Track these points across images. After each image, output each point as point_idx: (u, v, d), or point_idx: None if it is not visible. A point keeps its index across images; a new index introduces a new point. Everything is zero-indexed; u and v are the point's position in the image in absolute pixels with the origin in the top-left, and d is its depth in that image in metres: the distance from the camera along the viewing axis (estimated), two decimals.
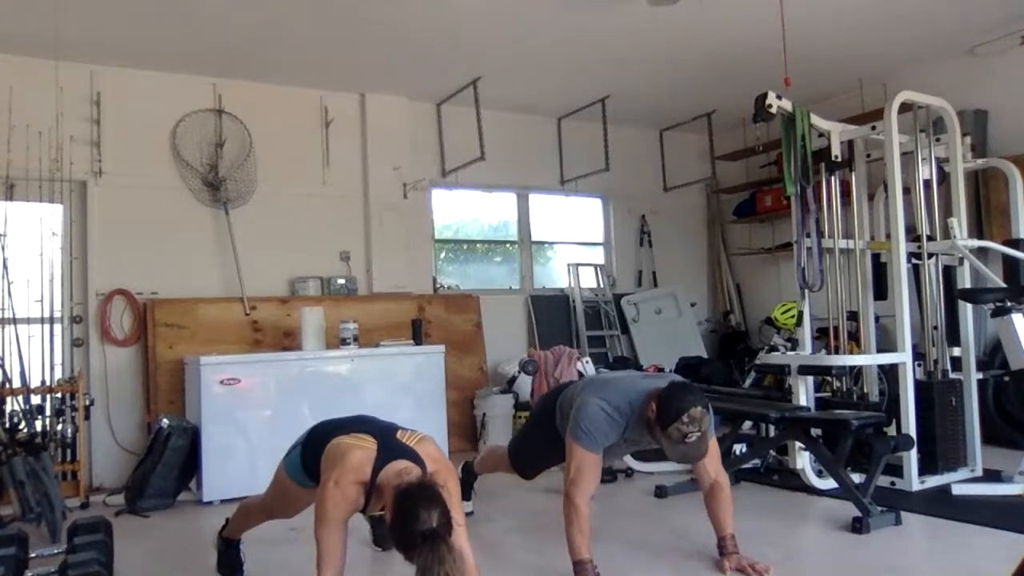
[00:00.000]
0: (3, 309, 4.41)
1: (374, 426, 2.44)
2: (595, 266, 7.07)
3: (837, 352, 4.31)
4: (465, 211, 6.77)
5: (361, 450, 2.27)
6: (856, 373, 4.49)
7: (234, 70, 5.38)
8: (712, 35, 5.06)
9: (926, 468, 3.97)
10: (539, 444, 3.24)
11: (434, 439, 2.43)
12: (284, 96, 5.72)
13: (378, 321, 5.59)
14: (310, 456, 2.50)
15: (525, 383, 5.53)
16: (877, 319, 4.62)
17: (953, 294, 4.28)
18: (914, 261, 4.18)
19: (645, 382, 2.88)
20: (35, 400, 4.37)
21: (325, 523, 2.22)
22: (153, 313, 5.06)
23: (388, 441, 2.30)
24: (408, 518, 1.99)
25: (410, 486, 2.07)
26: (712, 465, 2.92)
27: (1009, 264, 4.35)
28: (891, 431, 3.91)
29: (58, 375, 4.64)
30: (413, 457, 2.26)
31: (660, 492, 3.97)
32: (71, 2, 4.18)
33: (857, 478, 3.80)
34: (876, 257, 4.43)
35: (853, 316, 4.54)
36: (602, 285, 6.99)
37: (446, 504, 2.03)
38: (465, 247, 6.80)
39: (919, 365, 4.22)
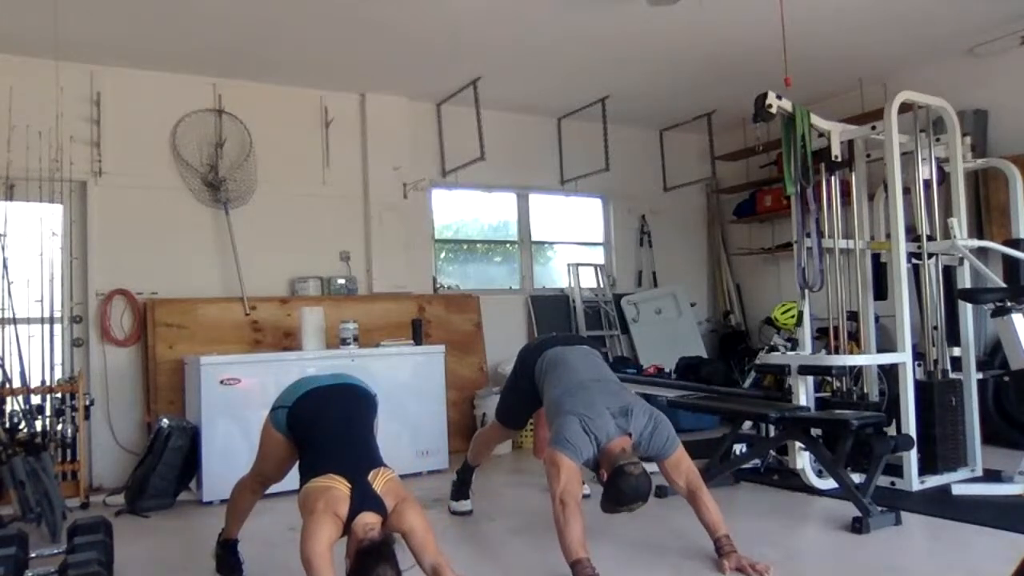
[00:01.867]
0: (3, 309, 4.41)
1: (352, 459, 2.56)
2: (595, 266, 7.07)
3: (837, 352, 4.31)
4: (465, 211, 6.77)
5: (338, 491, 2.44)
6: (856, 373, 4.49)
7: (234, 70, 5.38)
8: (712, 35, 5.06)
9: (926, 468, 3.97)
10: (522, 399, 3.59)
11: (396, 475, 2.59)
12: (284, 96, 5.72)
13: (378, 321, 5.59)
14: (293, 422, 2.72)
15: None
16: (877, 319, 4.62)
17: (953, 294, 4.28)
18: (914, 261, 4.18)
19: (619, 420, 2.97)
20: (35, 400, 4.36)
21: (314, 550, 2.32)
22: (153, 313, 5.06)
23: (361, 487, 2.47)
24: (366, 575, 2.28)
25: (371, 544, 2.33)
26: (682, 475, 3.02)
27: (1009, 264, 4.35)
28: (891, 431, 3.91)
29: (58, 375, 4.64)
30: (378, 507, 2.46)
31: (660, 492, 3.97)
32: (71, 2, 4.19)
33: (857, 478, 3.79)
34: (876, 257, 4.43)
35: (853, 316, 4.54)
36: (602, 285, 6.99)
37: (397, 564, 2.32)
38: (465, 247, 6.80)
39: (919, 365, 4.22)
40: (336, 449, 2.59)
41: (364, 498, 2.45)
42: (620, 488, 2.79)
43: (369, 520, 2.42)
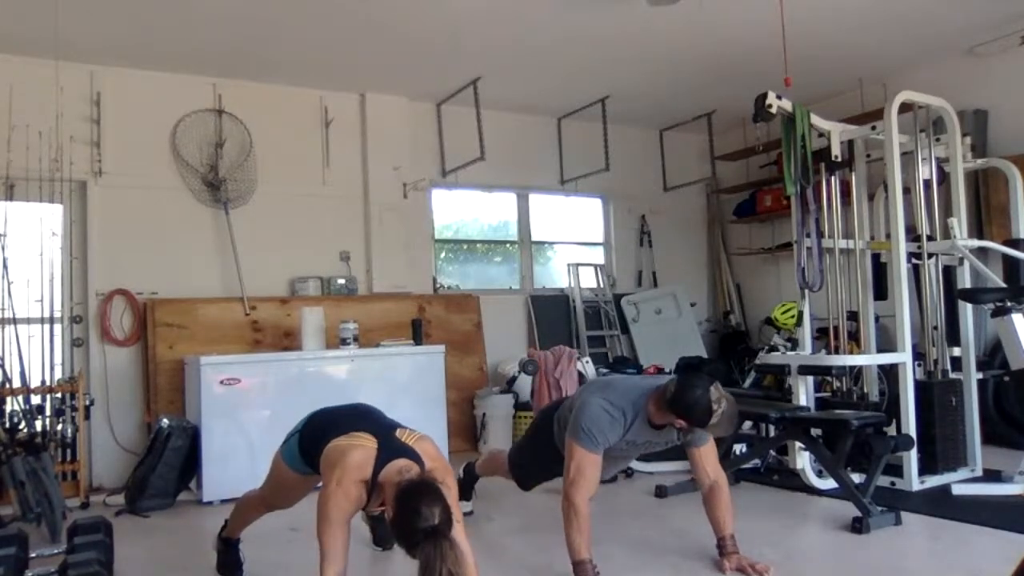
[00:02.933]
0: (3, 309, 4.41)
1: (374, 423, 2.46)
2: (595, 266, 7.06)
3: (837, 352, 4.31)
4: (465, 211, 6.77)
5: (362, 449, 2.29)
6: (856, 373, 4.49)
7: (234, 70, 5.38)
8: (712, 35, 5.06)
9: (926, 468, 3.97)
10: (538, 457, 3.26)
11: (433, 439, 2.44)
12: (284, 96, 5.72)
13: (378, 321, 5.59)
14: (308, 444, 2.53)
15: (525, 383, 5.54)
16: (877, 319, 4.62)
17: (953, 294, 4.28)
18: (914, 261, 4.18)
19: (646, 382, 2.90)
20: (35, 400, 4.36)
21: (328, 523, 2.23)
22: (153, 313, 5.06)
23: (388, 440, 2.32)
24: (410, 514, 2.02)
25: (411, 483, 2.10)
26: (711, 466, 2.95)
27: (1009, 264, 4.35)
28: (891, 431, 3.91)
29: (58, 375, 4.64)
30: (412, 455, 2.28)
31: (660, 492, 3.97)
32: (71, 2, 4.18)
33: (857, 478, 3.79)
34: (876, 257, 4.43)
35: (853, 316, 4.54)
36: (602, 285, 6.99)
37: (447, 501, 2.06)
38: (465, 247, 6.80)
39: (919, 365, 4.22)
40: (357, 422, 2.45)
41: (393, 449, 2.25)
42: (692, 401, 2.65)
43: (401, 464, 2.20)
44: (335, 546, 2.21)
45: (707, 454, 2.97)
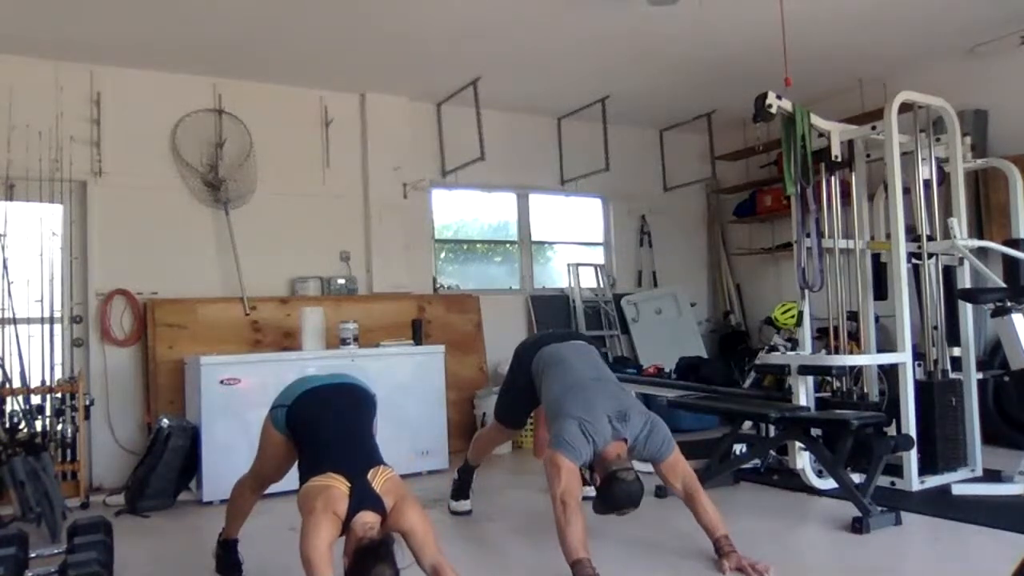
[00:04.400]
0: (3, 309, 4.41)
1: (351, 458, 2.55)
2: (595, 266, 7.07)
3: (837, 352, 4.31)
4: (465, 211, 6.77)
5: (337, 491, 2.43)
6: (856, 373, 4.49)
7: (234, 70, 5.38)
8: (712, 35, 5.06)
9: (926, 468, 3.97)
10: (520, 397, 3.59)
11: (396, 474, 2.58)
12: (284, 96, 5.72)
13: (378, 321, 5.59)
14: (294, 421, 2.72)
15: None
16: (877, 319, 4.62)
17: (953, 294, 4.28)
18: (914, 261, 4.17)
19: (614, 425, 2.98)
20: (35, 400, 4.37)
21: (314, 539, 2.32)
22: (153, 313, 5.06)
23: (360, 486, 2.46)
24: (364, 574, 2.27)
25: (370, 544, 2.33)
26: (680, 474, 3.03)
27: (1009, 264, 4.35)
28: (891, 431, 3.90)
29: (58, 375, 4.64)
30: (378, 505, 2.45)
31: (660, 492, 3.97)
32: (71, 2, 4.19)
33: (857, 478, 3.79)
34: (876, 257, 4.43)
35: (853, 316, 4.54)
36: (602, 285, 6.99)
37: (395, 563, 2.31)
38: (465, 247, 6.80)
39: (919, 365, 4.22)
40: (335, 448, 2.59)
41: (363, 497, 2.44)
42: (613, 493, 2.85)
43: (368, 519, 2.41)
44: (323, 565, 2.30)
45: (673, 465, 3.04)
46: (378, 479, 2.50)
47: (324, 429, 2.66)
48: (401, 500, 2.50)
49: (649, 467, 3.14)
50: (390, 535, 2.41)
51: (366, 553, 2.30)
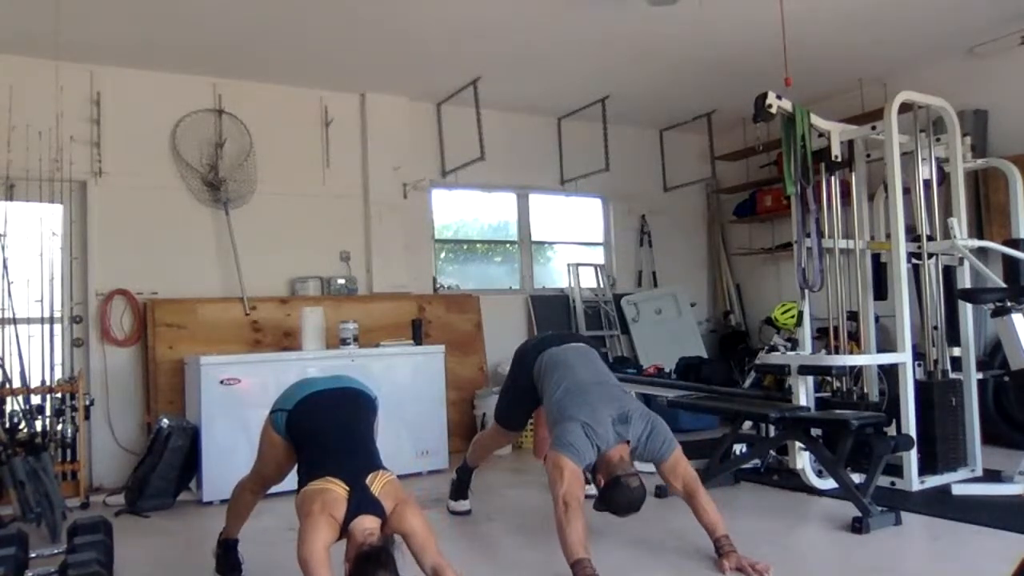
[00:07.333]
0: (3, 309, 4.41)
1: (350, 462, 2.55)
2: (595, 266, 7.07)
3: (837, 352, 4.31)
4: (465, 211, 6.77)
5: (334, 494, 2.43)
6: (856, 373, 4.49)
7: (234, 70, 5.38)
8: (712, 35, 5.06)
9: (926, 468, 3.97)
10: (521, 398, 3.60)
11: (395, 477, 2.57)
12: (284, 96, 5.72)
13: (378, 321, 5.59)
14: (294, 426, 2.72)
15: None
16: (877, 319, 4.62)
17: (953, 294, 4.28)
18: (914, 261, 4.17)
19: (617, 428, 3.00)
20: (35, 400, 4.36)
21: (311, 542, 2.32)
22: (153, 313, 5.06)
23: (359, 490, 2.46)
24: None
25: (371, 549, 2.33)
26: (681, 474, 3.04)
27: (1009, 264, 4.35)
28: (891, 431, 3.90)
29: (58, 375, 4.64)
30: (377, 509, 2.45)
31: (660, 492, 3.97)
32: (71, 2, 4.18)
33: (857, 478, 3.79)
34: (876, 257, 4.43)
35: (853, 316, 4.54)
36: (602, 285, 6.99)
37: (396, 569, 2.31)
38: (465, 247, 6.81)
39: (919, 365, 4.22)
40: (334, 452, 2.59)
41: (362, 501, 2.44)
42: (616, 498, 2.87)
43: (368, 524, 2.41)
44: (321, 568, 2.30)
45: (674, 466, 3.05)
46: (377, 483, 2.50)
47: (323, 434, 2.66)
48: (400, 503, 2.50)
49: (651, 467, 3.15)
50: (390, 540, 2.41)
51: (367, 559, 2.30)
